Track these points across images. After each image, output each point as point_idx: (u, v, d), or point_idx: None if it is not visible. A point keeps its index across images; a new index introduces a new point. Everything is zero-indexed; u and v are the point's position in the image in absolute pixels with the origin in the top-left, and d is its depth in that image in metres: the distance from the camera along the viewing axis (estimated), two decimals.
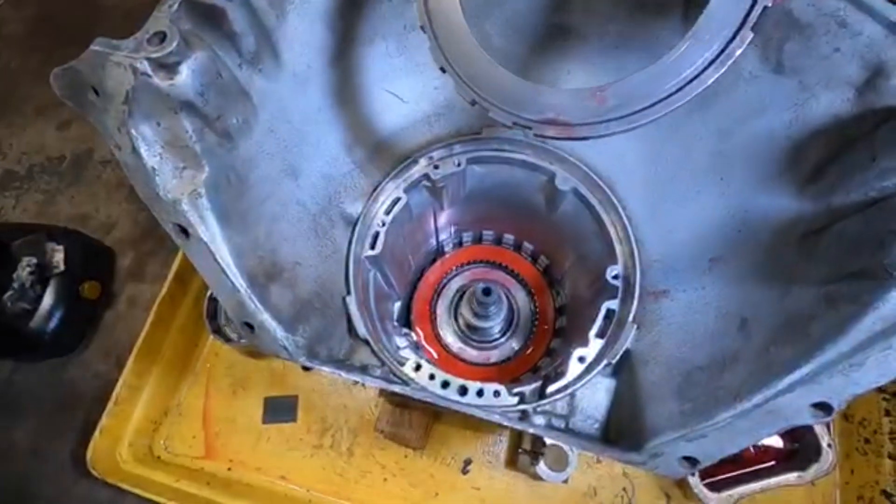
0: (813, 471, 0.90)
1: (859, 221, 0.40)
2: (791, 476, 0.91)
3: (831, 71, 0.44)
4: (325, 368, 0.48)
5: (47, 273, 1.17)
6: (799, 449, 0.93)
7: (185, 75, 0.41)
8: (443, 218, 0.82)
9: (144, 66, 0.39)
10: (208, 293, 1.06)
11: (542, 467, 0.95)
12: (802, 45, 0.45)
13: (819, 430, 0.90)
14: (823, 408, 0.38)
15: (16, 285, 1.12)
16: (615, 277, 0.63)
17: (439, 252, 0.92)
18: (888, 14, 0.39)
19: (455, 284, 0.91)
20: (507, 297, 0.86)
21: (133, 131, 0.41)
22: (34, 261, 1.16)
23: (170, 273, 1.10)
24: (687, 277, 0.57)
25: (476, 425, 1.03)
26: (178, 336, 1.13)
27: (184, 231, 0.44)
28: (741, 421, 0.40)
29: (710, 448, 0.41)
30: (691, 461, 0.42)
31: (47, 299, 1.15)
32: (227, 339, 1.07)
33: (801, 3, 0.44)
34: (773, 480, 0.92)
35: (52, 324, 1.15)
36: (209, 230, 0.44)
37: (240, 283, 0.46)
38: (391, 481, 1.03)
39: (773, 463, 0.95)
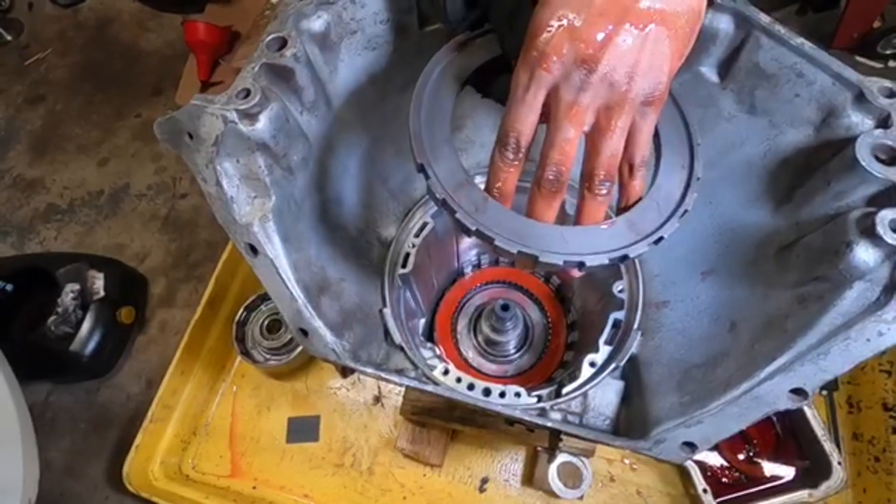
0: (824, 489, 0.92)
1: (820, 235, 0.48)
2: (803, 493, 0.94)
3: (794, 112, 0.53)
4: (368, 370, 0.55)
5: (88, 299, 1.24)
6: (810, 467, 0.96)
7: (263, 122, 0.51)
8: (464, 242, 0.90)
9: (233, 116, 0.48)
10: (236, 318, 1.13)
11: (557, 484, 1.00)
12: (770, 92, 0.54)
13: (829, 448, 0.94)
14: (800, 393, 0.44)
15: (59, 310, 1.20)
16: (621, 291, 0.70)
17: (460, 273, 1.00)
18: (833, 67, 0.49)
19: (475, 303, 0.99)
20: (523, 315, 0.93)
21: (218, 167, 0.50)
22: (77, 287, 1.23)
23: (203, 299, 1.16)
24: (684, 289, 0.65)
25: (492, 443, 1.07)
26: (208, 358, 1.18)
27: (253, 249, 0.52)
28: (731, 407, 0.47)
29: (707, 432, 0.47)
30: (691, 446, 0.48)
31: (87, 323, 1.22)
32: (255, 361, 1.13)
33: (766, 57, 0.54)
34: (785, 498, 0.94)
35: (90, 347, 1.22)
36: (274, 248, 0.53)
37: (297, 293, 0.53)
38: (410, 500, 1.06)
39: (784, 480, 0.98)
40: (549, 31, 0.38)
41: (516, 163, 0.45)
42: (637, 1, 0.37)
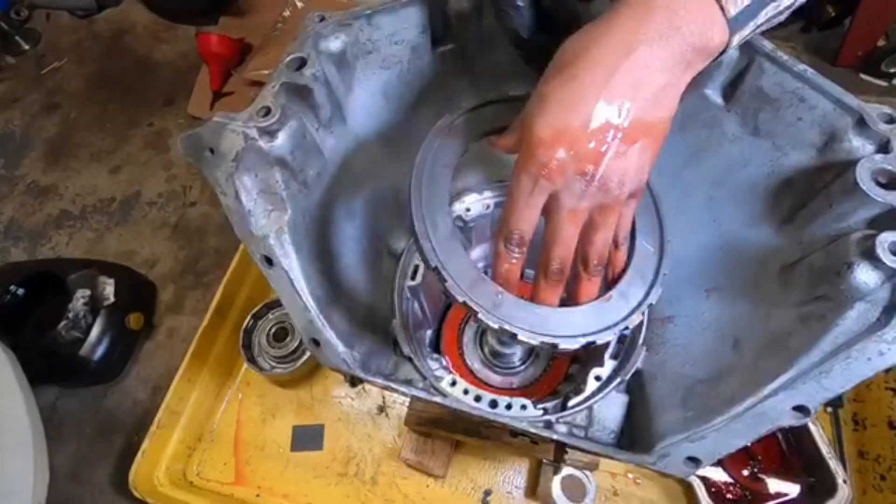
0: None
1: (823, 255, 0.49)
2: None
3: (797, 135, 0.55)
4: (377, 380, 0.56)
5: (98, 305, 1.25)
6: (815, 485, 0.96)
7: (282, 139, 0.53)
8: (472, 254, 0.92)
9: (253, 133, 0.50)
10: (244, 325, 1.14)
11: (561, 497, 0.99)
12: (773, 115, 0.56)
13: (834, 466, 0.94)
14: (802, 410, 0.45)
15: (70, 315, 1.21)
16: None
17: None
18: (834, 93, 0.50)
19: None
20: None
21: (237, 182, 0.52)
22: (88, 293, 1.24)
23: (211, 306, 1.17)
24: (688, 305, 0.66)
25: (496, 455, 1.08)
26: (214, 365, 1.18)
27: (268, 261, 0.54)
28: (735, 423, 0.48)
29: (710, 447, 0.48)
30: (695, 461, 0.49)
31: (96, 329, 1.23)
32: (261, 369, 1.14)
33: (769, 82, 0.56)
34: None
35: (99, 352, 1.23)
36: (289, 260, 0.54)
37: (310, 304, 0.55)
38: None
39: (789, 497, 0.98)
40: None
41: (519, 255, 0.51)
42: (627, 119, 0.41)
